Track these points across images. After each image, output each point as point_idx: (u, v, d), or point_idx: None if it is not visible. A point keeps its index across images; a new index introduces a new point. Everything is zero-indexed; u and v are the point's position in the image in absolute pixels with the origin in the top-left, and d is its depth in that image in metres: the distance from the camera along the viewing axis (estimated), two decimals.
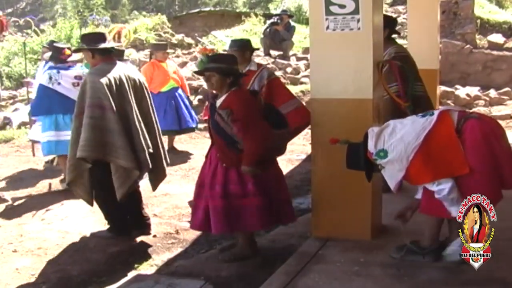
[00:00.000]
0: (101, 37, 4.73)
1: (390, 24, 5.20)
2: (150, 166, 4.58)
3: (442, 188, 3.39)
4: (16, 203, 5.91)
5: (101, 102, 4.39)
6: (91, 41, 4.63)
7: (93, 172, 4.59)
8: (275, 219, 4.13)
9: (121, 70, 4.62)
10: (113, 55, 4.79)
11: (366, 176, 3.67)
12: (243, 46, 5.76)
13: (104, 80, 4.42)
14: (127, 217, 4.81)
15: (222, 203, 3.94)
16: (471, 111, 3.74)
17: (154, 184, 4.96)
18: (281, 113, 4.22)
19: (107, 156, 4.42)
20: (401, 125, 3.54)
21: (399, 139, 3.46)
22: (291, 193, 4.42)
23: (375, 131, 3.53)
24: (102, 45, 4.60)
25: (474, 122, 3.46)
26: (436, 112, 3.55)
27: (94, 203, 4.83)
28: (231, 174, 3.96)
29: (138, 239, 4.79)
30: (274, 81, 5.60)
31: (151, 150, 4.60)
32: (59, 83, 5.95)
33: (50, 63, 6.23)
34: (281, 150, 4.18)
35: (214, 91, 4.09)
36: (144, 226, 4.84)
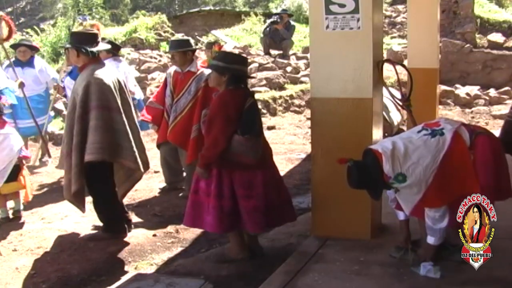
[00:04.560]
0: (91, 38, 4.61)
1: None
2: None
3: (436, 214, 3.44)
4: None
5: (109, 103, 4.40)
6: (81, 42, 4.54)
7: (93, 173, 4.50)
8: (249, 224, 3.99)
9: (112, 71, 4.62)
10: (100, 55, 4.76)
11: (374, 195, 3.56)
12: (183, 47, 5.67)
13: (109, 81, 4.43)
14: (122, 216, 4.83)
15: (191, 198, 4.06)
16: (474, 123, 3.73)
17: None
18: (257, 118, 4.07)
19: (115, 158, 4.43)
20: (412, 146, 3.44)
21: (416, 163, 3.38)
22: (290, 193, 4.41)
23: (388, 153, 3.39)
24: (95, 48, 4.54)
25: (484, 139, 3.48)
26: (447, 133, 3.47)
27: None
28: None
29: (137, 238, 4.79)
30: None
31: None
32: None
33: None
34: (250, 156, 3.90)
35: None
36: (127, 222, 4.88)
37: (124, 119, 4.45)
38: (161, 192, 6.11)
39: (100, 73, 4.47)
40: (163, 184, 6.23)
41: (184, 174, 6.05)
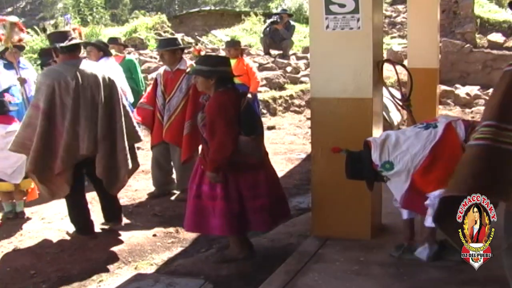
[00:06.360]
0: (62, 36, 4.62)
1: None
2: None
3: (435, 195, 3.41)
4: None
5: (38, 103, 4.47)
6: (54, 40, 4.58)
7: None
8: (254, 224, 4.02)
9: (74, 69, 4.49)
10: (77, 52, 4.75)
11: (368, 186, 3.66)
12: (172, 45, 5.64)
13: (48, 81, 4.45)
14: (88, 216, 4.85)
15: (193, 202, 3.99)
16: (471, 117, 3.74)
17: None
18: (255, 116, 4.09)
19: (22, 151, 4.57)
20: (404, 137, 3.50)
21: (405, 151, 3.44)
22: (290, 193, 4.42)
23: (378, 142, 3.49)
24: (63, 44, 4.51)
25: None
26: (440, 125, 3.51)
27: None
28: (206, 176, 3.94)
29: (137, 238, 4.80)
30: None
31: (84, 153, 4.50)
32: None
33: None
34: (255, 156, 3.93)
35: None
36: (112, 217, 4.91)
37: (45, 121, 4.40)
38: (149, 197, 5.98)
39: (46, 72, 4.67)
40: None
41: (174, 175, 5.98)
